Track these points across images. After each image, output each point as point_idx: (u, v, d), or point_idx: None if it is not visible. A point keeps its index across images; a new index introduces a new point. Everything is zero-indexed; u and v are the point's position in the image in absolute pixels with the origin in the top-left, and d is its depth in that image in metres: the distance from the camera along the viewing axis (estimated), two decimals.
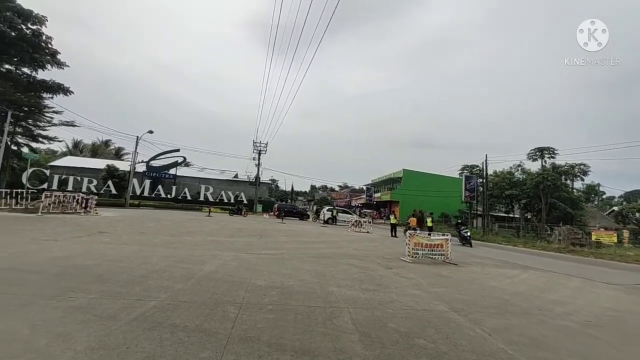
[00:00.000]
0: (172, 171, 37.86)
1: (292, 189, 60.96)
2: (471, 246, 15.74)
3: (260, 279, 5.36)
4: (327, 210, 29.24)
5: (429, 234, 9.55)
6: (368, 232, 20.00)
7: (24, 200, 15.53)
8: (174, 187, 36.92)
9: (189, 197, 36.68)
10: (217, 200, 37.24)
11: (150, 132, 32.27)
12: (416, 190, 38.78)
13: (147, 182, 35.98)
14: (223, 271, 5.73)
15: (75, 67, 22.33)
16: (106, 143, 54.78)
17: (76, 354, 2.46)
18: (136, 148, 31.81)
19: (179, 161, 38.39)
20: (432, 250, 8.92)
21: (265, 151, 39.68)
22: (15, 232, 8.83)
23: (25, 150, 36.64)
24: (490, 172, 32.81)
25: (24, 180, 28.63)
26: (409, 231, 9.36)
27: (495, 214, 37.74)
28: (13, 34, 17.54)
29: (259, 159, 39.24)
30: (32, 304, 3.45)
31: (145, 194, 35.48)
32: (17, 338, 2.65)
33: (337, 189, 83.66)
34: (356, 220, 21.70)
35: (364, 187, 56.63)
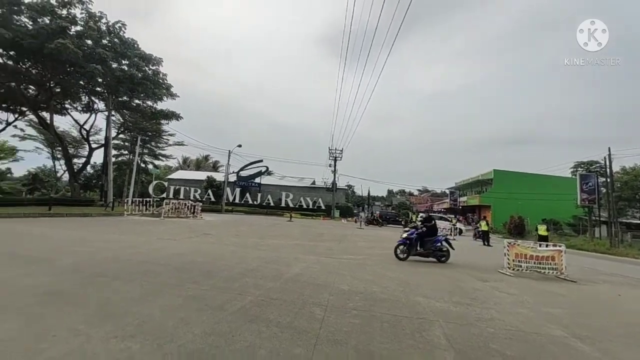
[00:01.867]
0: (257, 180, 41.76)
1: (369, 194, 60.22)
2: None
3: (343, 283, 5.41)
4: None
5: (540, 244, 8.11)
6: (454, 239, 18.30)
7: (151, 207, 19.23)
8: (259, 195, 40.61)
9: (271, 204, 39.80)
10: (297, 206, 39.43)
11: (239, 146, 36.34)
12: (511, 193, 33.89)
13: (238, 191, 40.47)
14: (307, 274, 5.99)
15: (183, 95, 27.42)
16: (206, 158, 63.88)
17: (194, 336, 2.88)
18: (228, 161, 36.20)
19: (262, 171, 42.14)
20: (540, 263, 7.62)
21: (341, 158, 40.40)
22: (146, 232, 10.98)
23: (150, 166, 45.46)
24: (616, 168, 26.48)
25: (150, 190, 35.59)
26: (505, 240, 8.13)
27: (627, 221, 30.16)
28: (140, 75, 22.12)
29: (334, 165, 40.16)
30: (161, 291, 4.21)
31: (237, 200, 39.94)
32: (152, 319, 3.25)
33: (416, 193, 79.39)
34: (453, 227, 19.80)
35: (447, 191, 52.31)
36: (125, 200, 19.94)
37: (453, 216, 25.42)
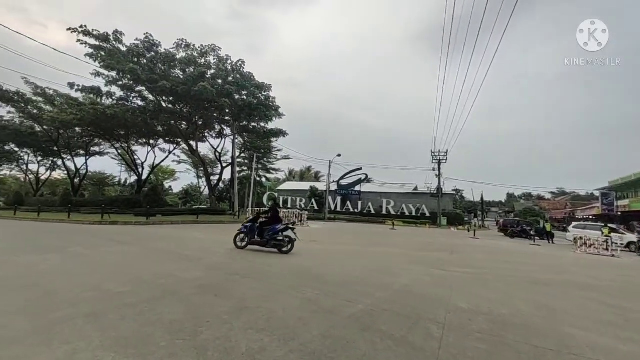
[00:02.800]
0: (357, 188, 42.39)
1: (482, 199, 52.97)
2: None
3: (461, 300, 4.85)
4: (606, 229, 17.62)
5: None
6: (613, 255, 14.12)
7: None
8: (359, 202, 41.05)
9: (372, 211, 39.58)
10: (398, 213, 38.05)
11: (339, 155, 37.73)
12: None
13: (339, 199, 41.96)
14: (417, 286, 5.64)
15: (287, 113, 30.78)
16: (308, 169, 69.00)
17: (313, 337, 3.07)
18: (329, 170, 38.07)
19: (362, 178, 42.56)
20: None
21: (446, 160, 37.08)
22: None
23: (264, 179, 51.95)
24: None
25: (264, 201, 40.68)
26: None
27: None
28: (255, 101, 25.86)
29: (439, 169, 37.13)
30: (281, 292, 4.68)
31: (338, 209, 41.42)
32: (277, 316, 3.63)
33: (548, 196, 65.37)
34: (605, 239, 15.00)
35: (596, 193, 41.09)
36: (247, 210, 23.33)
37: (603, 224, 19.27)
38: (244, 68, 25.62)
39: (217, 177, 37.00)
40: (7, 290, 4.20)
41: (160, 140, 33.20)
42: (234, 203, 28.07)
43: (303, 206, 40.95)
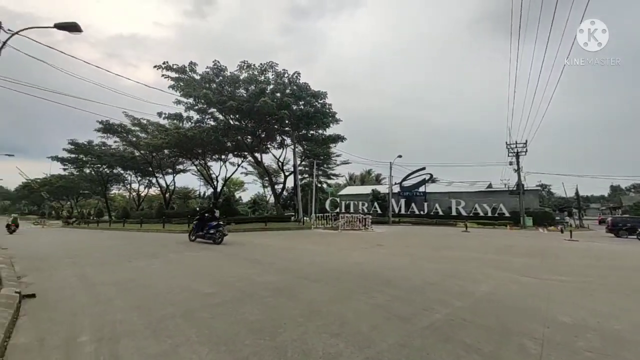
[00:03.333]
0: (421, 189, 40.22)
1: (578, 193, 45.21)
2: None
3: (561, 312, 4.18)
4: None
5: None
6: None
7: (331, 221, 22.23)
8: (425, 204, 38.84)
9: (440, 213, 37.05)
10: (470, 214, 34.87)
11: (400, 156, 36.42)
12: None
13: (402, 201, 40.35)
14: (502, 294, 5.05)
15: (344, 118, 31.16)
16: (369, 172, 68.05)
17: (389, 346, 2.97)
18: (390, 172, 36.98)
19: (426, 178, 40.24)
20: None
21: (525, 152, 32.78)
22: (330, 243, 12.72)
23: (325, 185, 52.91)
24: None
25: (326, 206, 41.37)
26: None
27: None
28: (312, 110, 26.70)
29: (517, 162, 32.98)
30: (350, 297, 4.66)
31: (402, 211, 39.81)
32: (349, 321, 3.62)
33: None
34: None
35: None
36: (311, 216, 24.08)
37: None
38: (299, 79, 26.72)
39: (281, 185, 38.96)
40: (125, 290, 5.04)
41: (230, 155, 36.51)
42: (298, 210, 29.20)
43: (365, 210, 40.44)
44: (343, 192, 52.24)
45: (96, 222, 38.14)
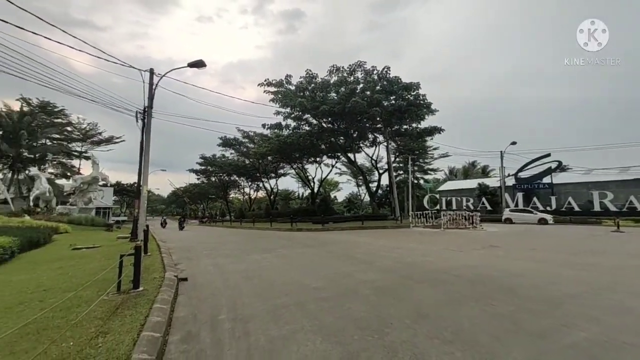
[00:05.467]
0: (545, 179, 33.37)
1: None
2: None
3: None
4: None
5: None
6: None
7: (431, 219, 20.79)
8: (552, 198, 32.04)
9: (576, 208, 29.91)
10: (623, 209, 26.98)
11: (513, 143, 31.22)
12: None
13: (520, 195, 34.32)
14: None
15: (442, 108, 28.33)
16: (473, 164, 60.62)
17: None
18: (502, 162, 32.02)
19: (552, 167, 33.16)
20: None
21: None
22: (432, 242, 11.88)
23: (421, 181, 49.81)
24: None
25: (425, 203, 38.83)
26: None
27: None
28: (405, 103, 25.49)
29: None
30: (461, 302, 4.22)
31: (519, 206, 33.86)
32: (463, 329, 3.28)
33: None
34: None
35: None
36: (410, 214, 23.01)
37: None
38: (389, 74, 25.93)
39: (375, 183, 38.62)
40: (247, 279, 5.87)
41: (324, 157, 38.29)
42: (395, 208, 28.32)
43: (471, 207, 36.17)
44: (443, 187, 48.08)
45: (221, 221, 45.90)
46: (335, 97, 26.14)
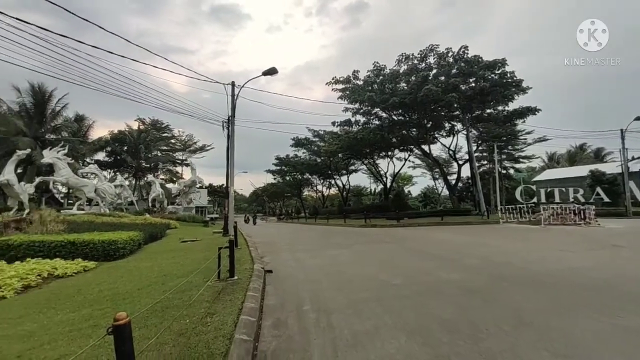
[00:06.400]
0: None
1: None
2: None
3: None
4: None
5: None
6: None
7: (526, 213, 18.14)
8: None
9: None
10: None
11: (638, 118, 24.98)
12: None
13: None
14: None
15: (536, 85, 24.18)
16: (581, 147, 50.60)
17: None
18: (623, 143, 25.89)
19: None
20: None
21: None
22: (530, 240, 10.35)
23: (511, 171, 43.86)
24: None
25: (517, 196, 34.01)
26: None
27: None
28: (487, 84, 22.68)
29: None
30: (573, 311, 3.56)
31: None
32: (580, 343, 2.77)
33: None
34: None
35: None
36: (499, 209, 20.49)
37: None
38: (467, 54, 23.49)
39: (454, 176, 35.57)
40: (327, 273, 6.06)
41: (396, 151, 36.90)
42: (479, 202, 25.60)
43: (580, 198, 30.24)
44: (540, 177, 41.48)
45: (297, 218, 48.49)
46: (406, 87, 24.91)
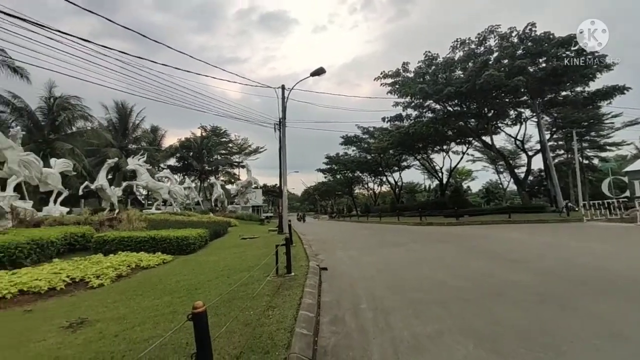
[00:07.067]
0: None
1: None
2: None
3: None
4: None
5: None
6: None
7: (617, 210, 15.54)
8: None
9: None
10: None
11: None
12: None
13: None
14: None
15: (625, 58, 20.20)
16: None
17: None
18: None
19: None
20: None
21: None
22: (621, 239, 8.84)
23: (595, 161, 37.98)
24: None
25: (604, 190, 29.26)
26: None
27: None
28: (562, 64, 19.88)
29: None
30: None
31: None
32: None
33: None
34: None
35: None
36: (582, 205, 17.86)
37: None
38: (535, 31, 20.94)
39: (523, 169, 32.04)
40: (381, 271, 5.96)
41: (452, 144, 34.54)
42: (555, 197, 22.65)
43: None
44: (633, 167, 35.06)
45: (348, 216, 48.44)
46: (462, 75, 23.15)
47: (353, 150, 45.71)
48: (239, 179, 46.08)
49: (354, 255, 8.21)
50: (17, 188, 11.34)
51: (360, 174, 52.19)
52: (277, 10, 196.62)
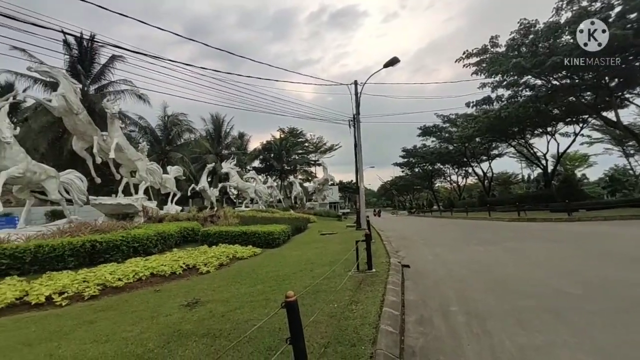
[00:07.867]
0: None
1: None
2: None
3: None
4: None
5: None
6: None
7: None
8: None
9: None
10: None
11: None
12: None
13: None
14: None
15: None
16: None
17: None
18: None
19: None
20: None
21: None
22: None
23: None
24: None
25: None
26: None
27: None
28: None
29: None
30: None
31: None
32: None
33: None
34: None
35: None
36: None
37: None
38: None
39: None
40: (473, 272, 5.42)
41: (560, 125, 28.96)
42: None
43: None
44: None
45: (429, 211, 45.43)
46: (571, 41, 19.13)
47: (432, 141, 42.63)
48: (315, 177, 47.90)
49: (439, 252, 7.66)
50: (145, 191, 14.08)
51: (441, 166, 48.38)
52: (346, 6, 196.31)
